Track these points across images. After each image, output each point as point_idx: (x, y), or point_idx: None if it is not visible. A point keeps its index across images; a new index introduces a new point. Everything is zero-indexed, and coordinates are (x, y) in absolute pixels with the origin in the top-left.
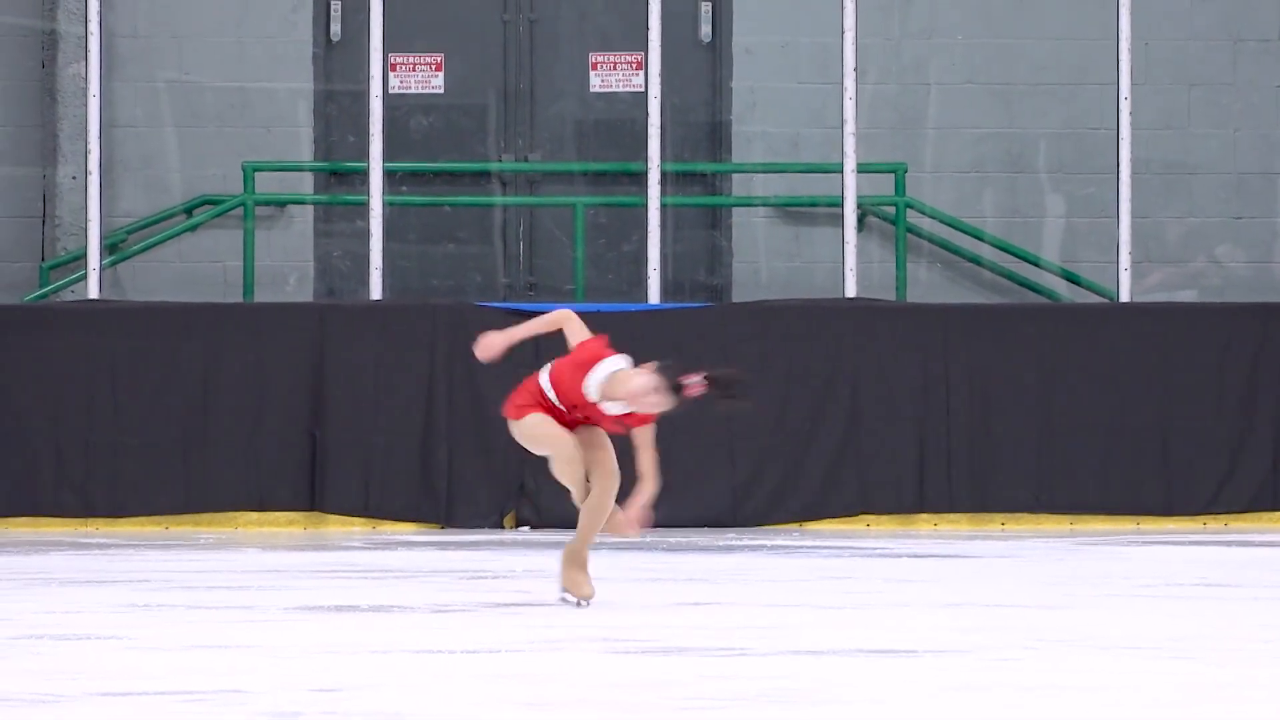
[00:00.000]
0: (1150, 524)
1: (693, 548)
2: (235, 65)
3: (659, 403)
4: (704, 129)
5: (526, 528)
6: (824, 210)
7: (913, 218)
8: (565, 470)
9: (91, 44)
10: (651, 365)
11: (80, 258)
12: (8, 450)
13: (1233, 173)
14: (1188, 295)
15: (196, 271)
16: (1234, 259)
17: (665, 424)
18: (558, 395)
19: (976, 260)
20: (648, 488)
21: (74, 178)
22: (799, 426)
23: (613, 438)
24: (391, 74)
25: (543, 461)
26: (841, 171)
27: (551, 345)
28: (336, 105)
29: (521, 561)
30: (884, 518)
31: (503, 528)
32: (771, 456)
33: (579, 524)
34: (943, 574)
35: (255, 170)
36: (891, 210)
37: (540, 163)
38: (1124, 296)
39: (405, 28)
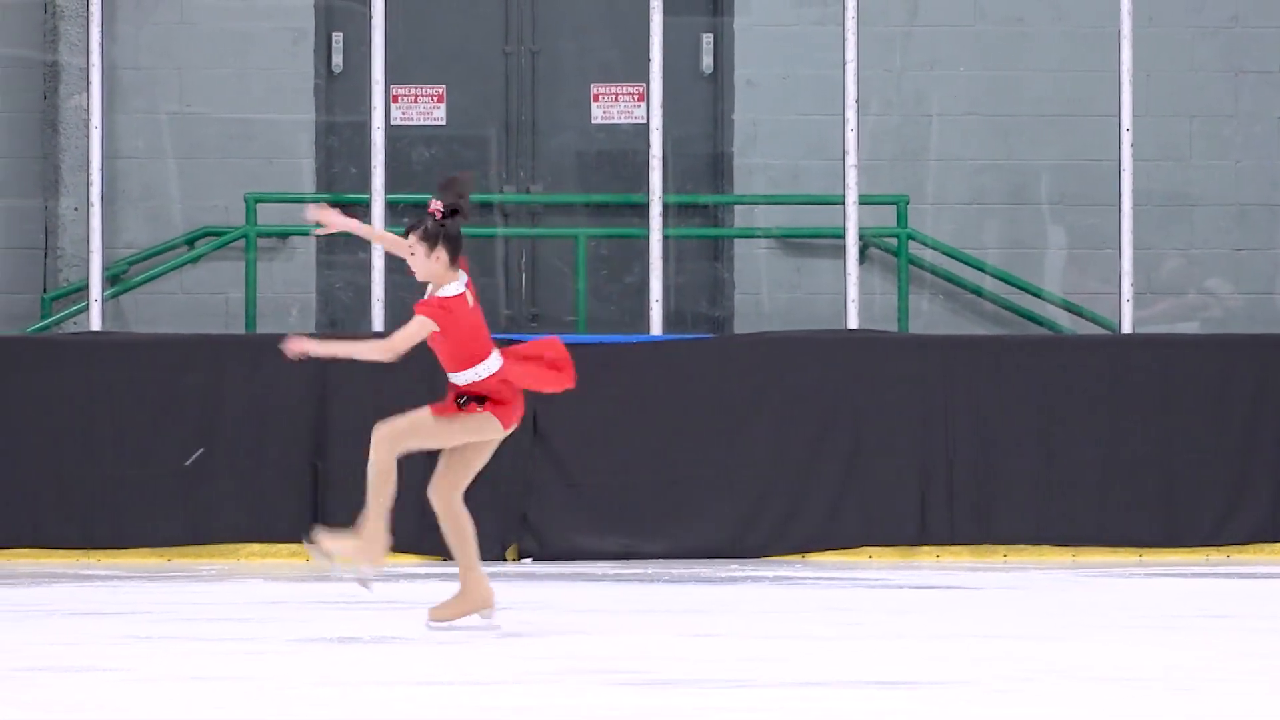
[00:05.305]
0: (1152, 556)
1: (695, 579)
2: (237, 97)
3: (410, 248)
4: (706, 161)
5: (529, 560)
6: (826, 242)
7: (914, 249)
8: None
9: (93, 76)
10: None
11: (82, 289)
12: (9, 481)
13: (1234, 204)
14: (1189, 327)
15: (198, 303)
16: (1229, 291)
17: (666, 455)
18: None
19: (978, 292)
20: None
21: (76, 209)
22: (801, 458)
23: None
24: (393, 105)
25: (543, 494)
26: (843, 203)
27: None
28: (338, 137)
29: (523, 594)
30: (886, 549)
31: (505, 560)
32: (773, 488)
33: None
34: (944, 606)
35: (257, 201)
36: (893, 242)
37: (542, 194)
38: (1126, 328)
39: (407, 60)
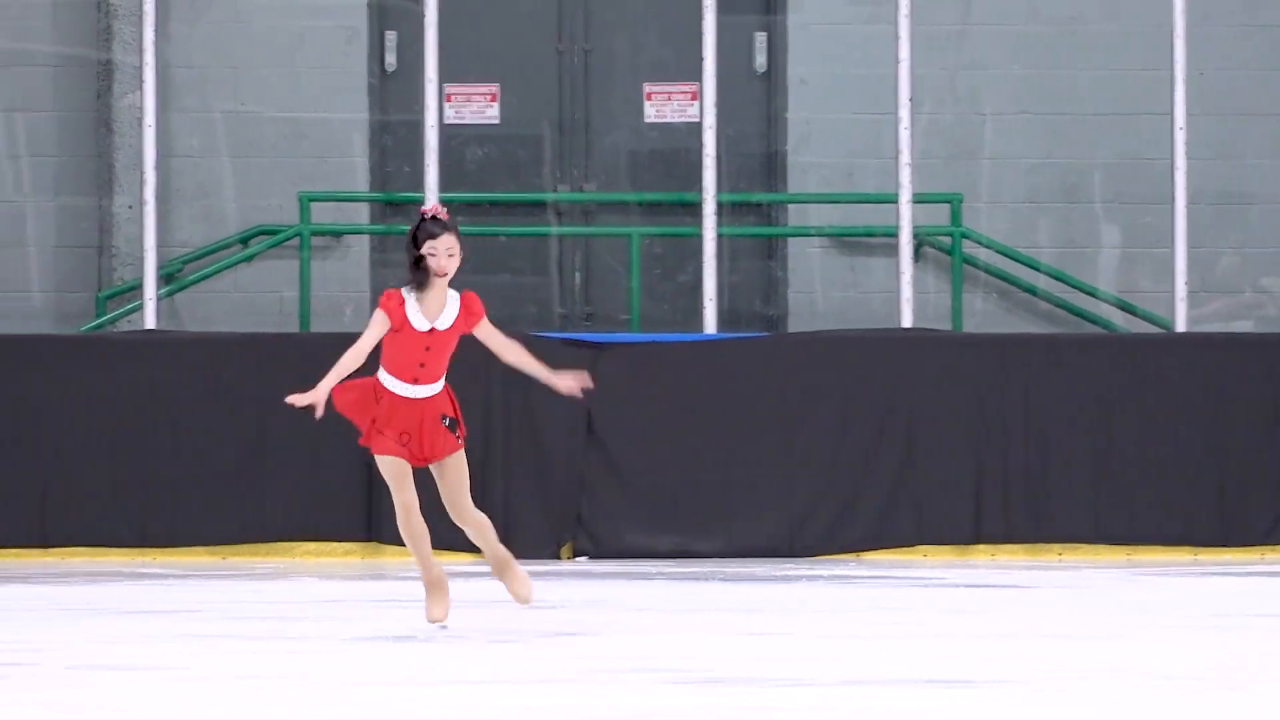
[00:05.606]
0: (1208, 555)
1: (750, 578)
2: (291, 96)
3: (450, 249)
4: (759, 159)
5: (583, 558)
6: (880, 240)
7: (968, 248)
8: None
9: (147, 74)
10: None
11: (136, 288)
12: (64, 480)
13: None
14: (1244, 325)
15: (253, 302)
16: None
17: (720, 454)
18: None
19: (1032, 290)
20: (541, 369)
21: (130, 208)
22: (855, 457)
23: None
24: (447, 104)
25: (597, 493)
26: (897, 202)
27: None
28: (392, 136)
29: (577, 592)
30: (941, 548)
31: (559, 558)
32: (828, 487)
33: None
34: (999, 604)
35: (311, 200)
36: (947, 240)
37: (595, 193)
38: (1180, 326)
39: (460, 58)
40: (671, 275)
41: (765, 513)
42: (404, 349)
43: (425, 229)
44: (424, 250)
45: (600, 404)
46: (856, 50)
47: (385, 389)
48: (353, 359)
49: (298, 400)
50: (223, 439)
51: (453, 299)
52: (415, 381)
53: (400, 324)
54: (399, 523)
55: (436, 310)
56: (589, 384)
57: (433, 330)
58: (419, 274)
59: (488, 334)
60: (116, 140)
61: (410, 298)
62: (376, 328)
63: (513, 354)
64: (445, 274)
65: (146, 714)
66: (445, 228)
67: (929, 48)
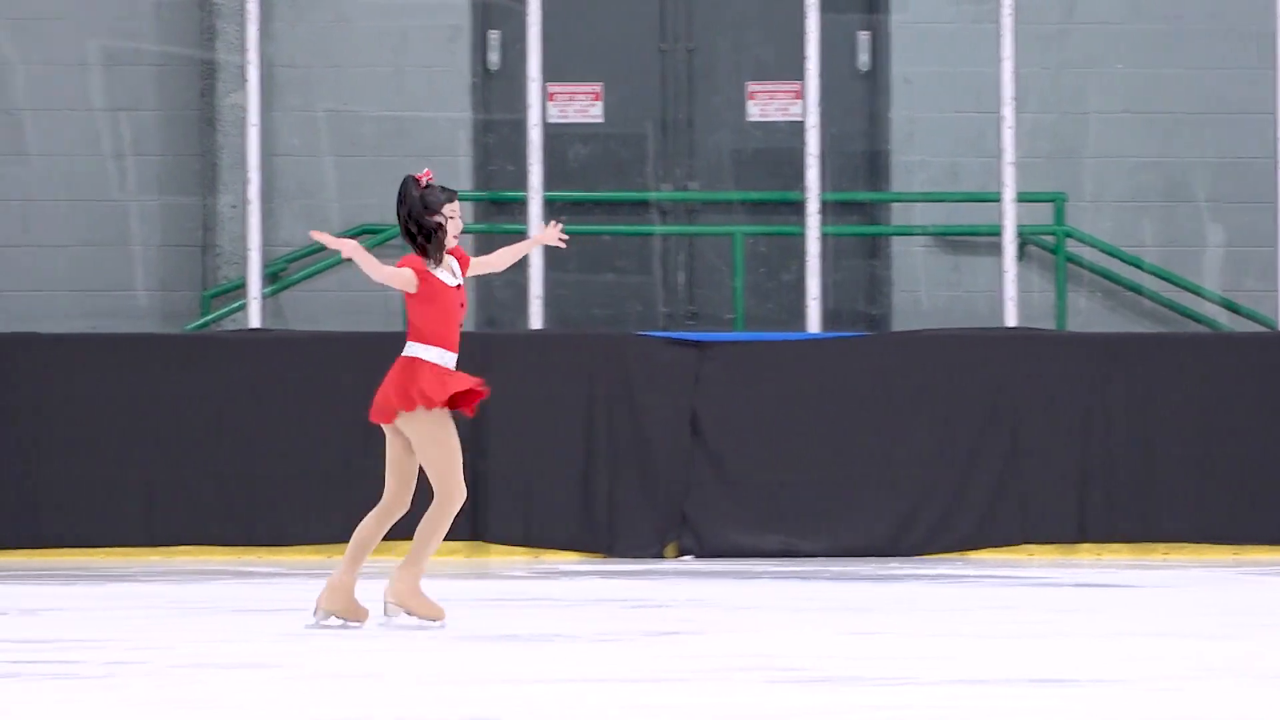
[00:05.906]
0: None
1: (855, 577)
2: (394, 95)
3: (459, 213)
4: (863, 158)
5: (689, 557)
6: (984, 239)
7: (1072, 247)
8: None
9: (251, 74)
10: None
11: (241, 286)
12: (170, 479)
13: None
14: None
15: (357, 300)
16: None
17: (824, 453)
18: (439, 339)
19: (1137, 289)
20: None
21: (234, 206)
22: (960, 456)
23: None
24: (550, 103)
25: (702, 492)
26: (1000, 201)
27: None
28: (495, 135)
29: (683, 591)
30: (1045, 547)
31: (664, 557)
32: (933, 486)
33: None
34: (1105, 603)
35: None
36: (1051, 239)
37: (699, 192)
38: None
39: (563, 57)
40: (775, 274)
41: (870, 512)
42: (444, 312)
43: (437, 196)
44: (442, 216)
45: (705, 403)
46: (960, 49)
47: (434, 364)
48: (376, 269)
49: (326, 239)
50: (328, 438)
51: (448, 257)
52: (456, 347)
53: (428, 285)
54: (456, 498)
55: (448, 268)
56: (560, 234)
57: (459, 285)
58: (436, 241)
59: (478, 263)
60: (220, 139)
61: (429, 265)
62: (401, 272)
63: (506, 257)
64: (458, 237)
65: (254, 712)
66: (450, 193)
67: (1032, 46)
